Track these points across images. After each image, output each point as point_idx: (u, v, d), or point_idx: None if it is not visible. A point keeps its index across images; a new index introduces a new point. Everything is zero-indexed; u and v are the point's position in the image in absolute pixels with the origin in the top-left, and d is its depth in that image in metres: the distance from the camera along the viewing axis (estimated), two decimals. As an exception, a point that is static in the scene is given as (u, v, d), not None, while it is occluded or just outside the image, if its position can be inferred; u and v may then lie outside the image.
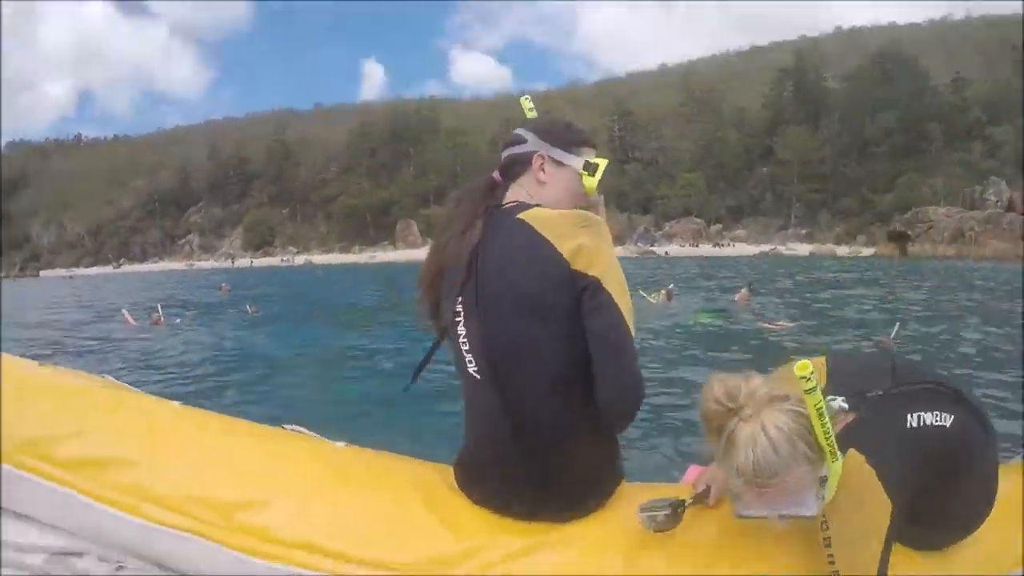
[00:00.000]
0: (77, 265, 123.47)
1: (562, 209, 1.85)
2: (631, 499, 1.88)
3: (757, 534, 1.75)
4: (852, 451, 1.66)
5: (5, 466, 2.01)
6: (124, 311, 19.56)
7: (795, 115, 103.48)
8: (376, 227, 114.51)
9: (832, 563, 1.61)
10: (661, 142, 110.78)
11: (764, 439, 1.52)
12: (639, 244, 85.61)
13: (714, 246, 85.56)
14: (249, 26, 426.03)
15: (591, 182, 1.97)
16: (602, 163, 1.98)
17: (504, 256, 1.79)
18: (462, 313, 1.84)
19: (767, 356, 10.38)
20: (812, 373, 1.47)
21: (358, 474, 2.06)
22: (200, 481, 1.96)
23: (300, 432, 2.33)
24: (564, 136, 1.97)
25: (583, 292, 1.71)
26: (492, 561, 1.76)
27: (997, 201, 71.78)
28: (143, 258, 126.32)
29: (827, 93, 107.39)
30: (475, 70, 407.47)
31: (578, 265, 1.71)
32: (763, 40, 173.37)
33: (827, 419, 1.53)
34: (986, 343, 12.34)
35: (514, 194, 1.95)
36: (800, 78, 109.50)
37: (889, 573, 1.59)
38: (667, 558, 1.78)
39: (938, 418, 1.76)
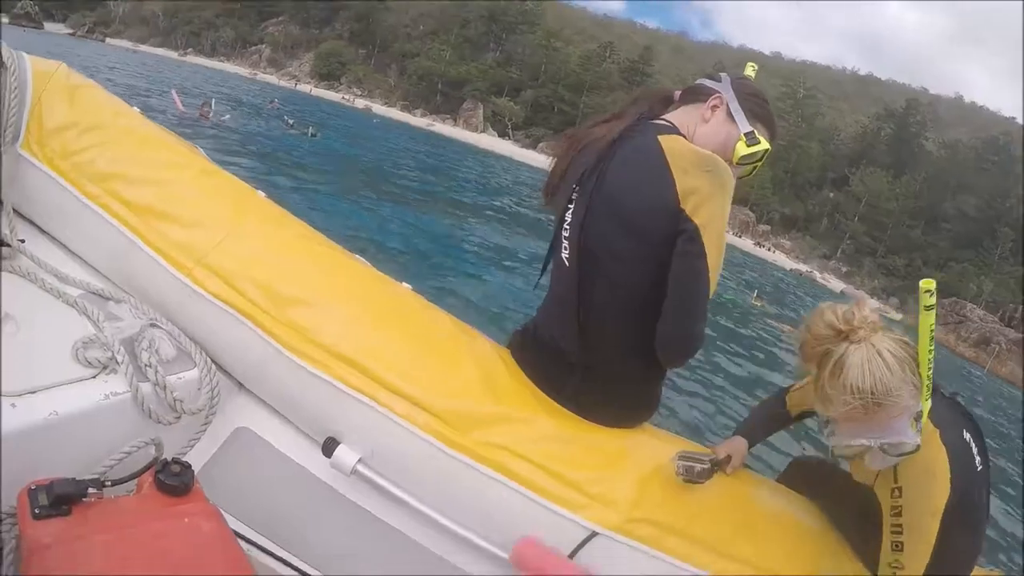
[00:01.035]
0: (144, 42, 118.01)
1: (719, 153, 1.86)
2: (654, 435, 2.04)
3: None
4: (928, 423, 1.72)
5: (71, 187, 2.00)
6: (174, 92, 18.17)
7: (883, 158, 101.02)
8: (444, 98, 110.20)
9: (898, 532, 1.73)
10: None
11: (879, 359, 1.60)
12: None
13: (755, 244, 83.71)
14: None
15: (742, 150, 1.93)
16: (764, 144, 1.95)
17: (628, 166, 1.81)
18: (575, 199, 1.89)
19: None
20: (935, 291, 1.60)
21: (414, 316, 2.06)
22: (263, 268, 1.95)
23: (363, 261, 2.29)
24: (750, 100, 1.98)
25: (681, 233, 1.72)
26: (520, 435, 1.81)
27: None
28: (211, 53, 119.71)
29: (923, 152, 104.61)
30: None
31: (686, 205, 1.71)
32: (884, 75, 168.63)
33: (932, 348, 1.63)
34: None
35: (677, 116, 1.98)
36: (903, 125, 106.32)
37: None
38: (673, 490, 1.86)
39: (974, 447, 1.82)
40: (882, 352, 1.61)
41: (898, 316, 74.91)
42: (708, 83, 1.98)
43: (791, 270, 74.94)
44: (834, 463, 2.22)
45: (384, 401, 1.78)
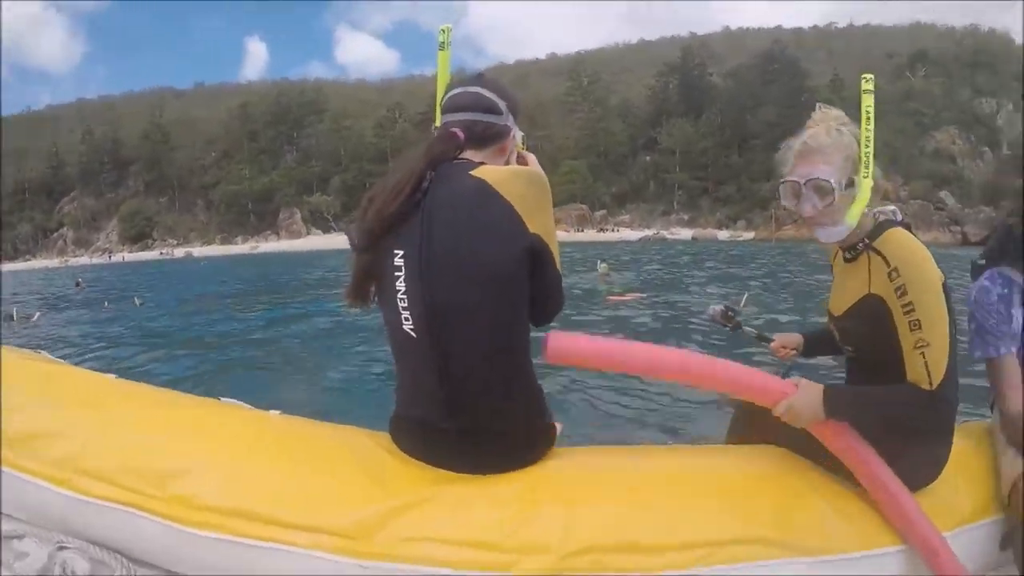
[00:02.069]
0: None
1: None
2: (563, 457, 2.02)
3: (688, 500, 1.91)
4: (906, 232, 1.95)
5: None
6: None
7: (679, 108, 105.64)
8: (258, 216, 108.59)
9: (910, 310, 1.84)
10: (546, 130, 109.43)
11: (821, 128, 2.01)
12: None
13: (599, 231, 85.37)
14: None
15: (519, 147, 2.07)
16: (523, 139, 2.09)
17: (458, 215, 1.75)
18: (403, 268, 1.79)
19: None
20: (872, 84, 2.05)
21: (290, 441, 2.08)
22: (133, 452, 1.98)
23: (235, 404, 2.35)
24: (519, 111, 2.04)
25: (532, 250, 1.76)
26: (423, 519, 1.79)
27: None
28: (14, 256, 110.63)
29: (711, 88, 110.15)
30: (362, 52, 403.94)
31: (532, 226, 1.74)
32: (653, 35, 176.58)
33: (872, 128, 1.98)
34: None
35: (481, 159, 1.94)
36: (686, 73, 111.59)
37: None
38: (601, 508, 1.86)
39: None
40: (825, 126, 2.00)
41: (750, 235, 77.86)
42: (494, 120, 1.94)
43: (640, 239, 76.34)
44: None
45: (287, 539, 1.76)
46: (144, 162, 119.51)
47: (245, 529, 1.77)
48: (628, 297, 15.41)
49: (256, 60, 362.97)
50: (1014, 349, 2.20)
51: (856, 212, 1.94)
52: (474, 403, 1.80)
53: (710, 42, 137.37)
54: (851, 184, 1.94)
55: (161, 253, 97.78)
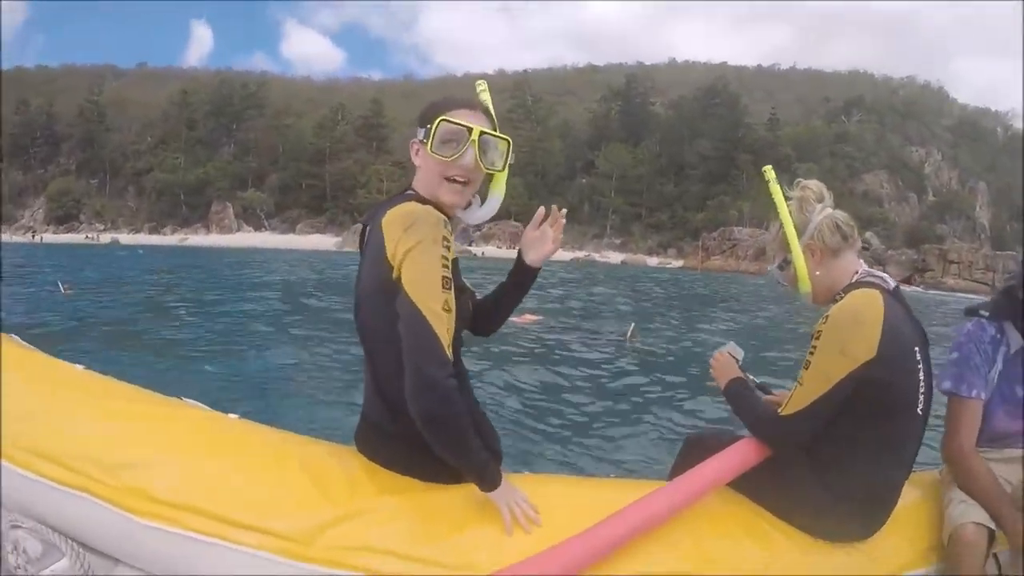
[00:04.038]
0: None
1: (430, 186, 2.01)
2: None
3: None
4: (871, 290, 2.07)
5: None
6: None
7: (619, 134, 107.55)
8: (190, 207, 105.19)
9: (805, 366, 2.03)
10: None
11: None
12: (457, 243, 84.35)
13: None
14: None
15: (427, 146, 1.97)
16: (438, 122, 1.96)
17: (367, 245, 1.97)
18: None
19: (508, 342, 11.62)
20: (773, 177, 2.26)
21: (245, 445, 2.12)
22: (92, 441, 2.03)
23: (195, 404, 2.40)
24: (426, 115, 2.01)
25: (397, 289, 1.81)
26: (361, 526, 1.86)
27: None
28: None
29: (652, 117, 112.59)
30: (308, 48, 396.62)
31: (395, 263, 1.81)
32: (600, 61, 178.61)
33: (786, 210, 2.22)
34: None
35: (416, 181, 2.08)
36: (629, 100, 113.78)
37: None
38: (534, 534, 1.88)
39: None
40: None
41: (679, 263, 79.29)
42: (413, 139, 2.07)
43: (570, 260, 76.83)
44: (731, 432, 2.38)
45: (233, 537, 1.81)
46: (77, 140, 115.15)
47: (193, 524, 1.81)
48: (526, 320, 15.25)
49: (201, 45, 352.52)
50: (983, 396, 2.25)
51: (802, 279, 2.21)
52: (401, 410, 1.83)
53: (655, 72, 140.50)
54: (786, 263, 2.26)
55: (87, 237, 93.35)
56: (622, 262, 79.32)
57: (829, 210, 2.22)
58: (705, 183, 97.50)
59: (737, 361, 2.34)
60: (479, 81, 2.24)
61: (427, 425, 1.77)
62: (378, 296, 1.85)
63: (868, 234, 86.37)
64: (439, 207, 1.94)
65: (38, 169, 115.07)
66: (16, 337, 2.65)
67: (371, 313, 1.92)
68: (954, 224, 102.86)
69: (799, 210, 2.22)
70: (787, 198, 2.25)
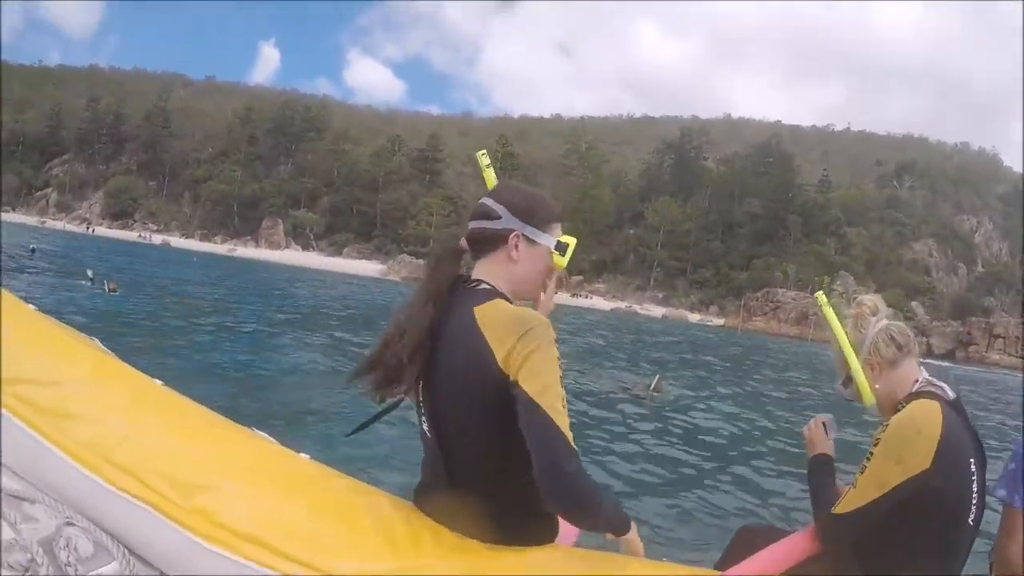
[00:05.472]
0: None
1: (529, 285, 2.02)
2: (557, 552, 2.07)
3: None
4: (931, 402, 2.13)
5: None
6: None
7: (669, 187, 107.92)
8: (242, 219, 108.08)
9: (868, 459, 2.09)
10: (540, 190, 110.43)
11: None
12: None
13: (572, 295, 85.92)
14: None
15: (561, 261, 2.02)
16: (571, 242, 2.04)
17: (451, 341, 1.90)
18: (421, 379, 1.98)
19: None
20: (825, 302, 2.40)
21: (316, 486, 2.14)
22: (166, 458, 2.03)
23: (265, 437, 2.43)
24: (539, 214, 2.01)
25: (515, 398, 1.79)
26: None
27: (843, 292, 76.57)
28: None
29: (704, 172, 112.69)
30: (370, 77, 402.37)
31: (510, 371, 1.79)
32: (657, 112, 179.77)
33: (841, 333, 2.36)
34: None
35: (483, 269, 2.02)
36: (682, 153, 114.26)
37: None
38: None
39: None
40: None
41: (720, 321, 79.19)
42: (490, 225, 1.99)
43: (611, 310, 77.19)
44: (781, 529, 2.54)
45: (292, 573, 1.79)
46: (141, 142, 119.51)
47: (256, 555, 1.83)
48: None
49: (267, 64, 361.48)
50: None
51: (865, 394, 2.31)
52: (477, 506, 1.93)
53: (710, 126, 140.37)
54: (849, 380, 2.35)
55: (139, 236, 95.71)
56: (663, 316, 79.13)
57: (885, 322, 2.32)
58: (752, 242, 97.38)
59: (827, 434, 2.45)
60: (481, 152, 2.41)
61: (573, 517, 1.89)
62: (472, 392, 1.87)
63: (914, 303, 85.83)
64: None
65: (100, 165, 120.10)
66: (97, 341, 2.69)
67: (459, 406, 1.91)
68: (1002, 297, 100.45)
69: (855, 327, 2.35)
70: (844, 316, 2.41)
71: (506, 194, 2.04)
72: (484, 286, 1.97)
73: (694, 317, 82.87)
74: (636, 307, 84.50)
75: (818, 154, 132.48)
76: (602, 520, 1.93)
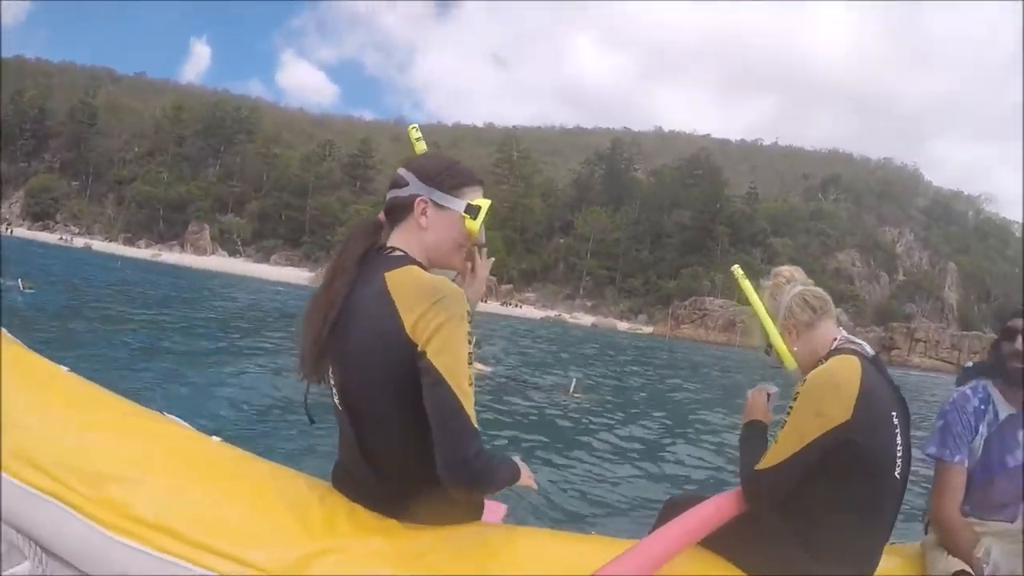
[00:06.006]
0: None
1: (443, 253, 1.97)
2: (482, 528, 2.06)
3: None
4: (849, 356, 2.13)
5: None
6: None
7: (600, 196, 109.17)
8: (167, 223, 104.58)
9: (788, 413, 2.07)
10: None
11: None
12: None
13: (502, 304, 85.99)
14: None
15: (473, 225, 1.97)
16: (484, 204, 1.99)
17: (360, 309, 1.85)
18: (329, 350, 1.92)
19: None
20: (742, 274, 2.49)
21: (227, 471, 2.11)
22: (73, 448, 1.99)
23: (177, 421, 2.40)
24: (447, 178, 1.98)
25: (420, 367, 1.76)
26: (338, 562, 1.81)
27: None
28: None
29: (634, 183, 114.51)
30: (303, 79, 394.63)
31: (418, 340, 1.75)
32: (589, 123, 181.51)
33: (759, 302, 2.40)
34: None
35: (398, 238, 1.98)
36: (612, 164, 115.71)
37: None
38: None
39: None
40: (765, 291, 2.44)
41: (649, 329, 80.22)
42: (400, 193, 1.96)
43: (541, 318, 77.46)
44: (708, 496, 2.43)
45: (209, 565, 1.75)
46: (65, 140, 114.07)
47: (170, 547, 1.78)
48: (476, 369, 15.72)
49: (199, 63, 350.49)
50: (966, 462, 2.36)
51: (786, 359, 2.33)
52: (391, 477, 1.90)
53: (641, 139, 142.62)
54: (770, 347, 2.37)
55: (61, 238, 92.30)
56: (592, 324, 79.84)
57: (799, 288, 2.35)
58: (680, 252, 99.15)
59: (768, 399, 2.46)
60: (412, 126, 2.34)
61: (472, 495, 1.96)
62: (379, 364, 1.82)
63: (838, 310, 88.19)
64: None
65: (22, 162, 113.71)
66: (7, 333, 2.59)
67: (367, 379, 1.85)
68: (922, 304, 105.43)
69: (772, 296, 2.39)
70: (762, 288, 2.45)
71: (416, 162, 2.02)
72: (398, 253, 1.93)
73: (623, 325, 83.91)
74: (566, 316, 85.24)
75: (746, 168, 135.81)
76: (498, 486, 1.95)
